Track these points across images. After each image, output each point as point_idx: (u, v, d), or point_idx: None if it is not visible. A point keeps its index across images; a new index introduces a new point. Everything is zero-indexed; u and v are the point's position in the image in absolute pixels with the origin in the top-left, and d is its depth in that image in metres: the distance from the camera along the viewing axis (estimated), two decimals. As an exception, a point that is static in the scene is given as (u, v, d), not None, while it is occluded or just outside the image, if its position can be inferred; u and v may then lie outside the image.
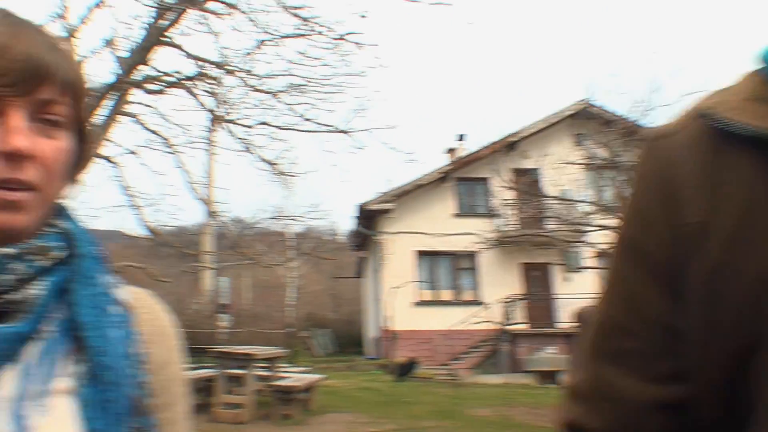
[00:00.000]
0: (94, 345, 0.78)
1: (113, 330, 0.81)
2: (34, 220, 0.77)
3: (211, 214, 10.31)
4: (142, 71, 7.35)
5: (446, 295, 20.40)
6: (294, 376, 10.91)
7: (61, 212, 0.85)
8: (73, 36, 7.57)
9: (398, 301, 18.99)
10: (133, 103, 8.83)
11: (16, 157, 0.72)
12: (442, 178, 20.62)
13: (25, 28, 0.76)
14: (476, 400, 12.26)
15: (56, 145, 0.77)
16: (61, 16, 8.29)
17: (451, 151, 23.24)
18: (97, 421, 0.76)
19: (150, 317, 0.90)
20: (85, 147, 0.85)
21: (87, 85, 0.82)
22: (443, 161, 22.19)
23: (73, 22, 7.64)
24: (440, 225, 19.91)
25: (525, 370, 17.10)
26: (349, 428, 9.04)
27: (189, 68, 7.94)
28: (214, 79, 7.73)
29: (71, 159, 0.81)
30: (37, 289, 0.76)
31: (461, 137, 23.00)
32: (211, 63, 7.59)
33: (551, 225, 17.80)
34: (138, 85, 7.21)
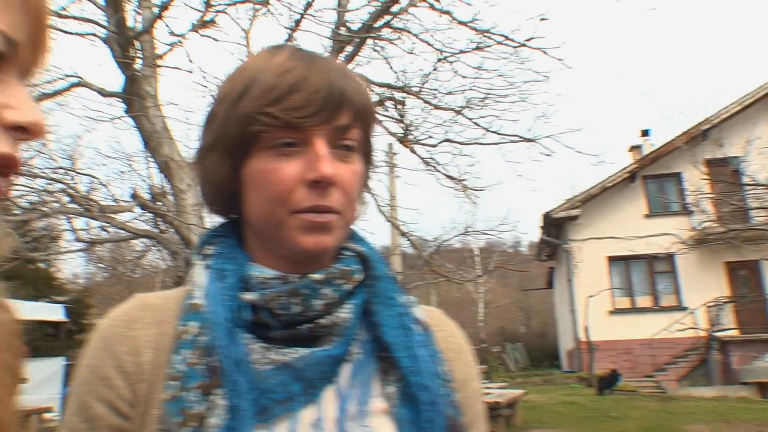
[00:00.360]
0: (405, 365, 0.79)
1: (420, 349, 0.81)
2: (337, 242, 0.81)
3: (400, 235, 10.54)
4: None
5: (644, 301, 19.19)
6: (495, 392, 10.83)
7: (353, 235, 0.88)
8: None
9: (593, 310, 18.13)
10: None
11: (323, 184, 0.76)
12: (629, 178, 19.47)
13: (318, 59, 0.80)
14: (690, 416, 11.37)
15: (353, 170, 0.80)
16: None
17: (635, 148, 22.06)
18: None
19: (445, 335, 0.91)
20: (369, 168, 0.88)
21: (375, 110, 0.84)
22: (629, 160, 21.06)
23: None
24: (631, 227, 18.84)
25: (741, 381, 15.55)
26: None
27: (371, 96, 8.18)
28: (398, 103, 7.87)
29: (362, 181, 0.84)
30: (344, 313, 0.79)
31: (646, 132, 21.78)
32: (393, 88, 7.76)
33: (760, 217, 16.19)
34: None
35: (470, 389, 0.90)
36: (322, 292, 0.78)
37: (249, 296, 0.77)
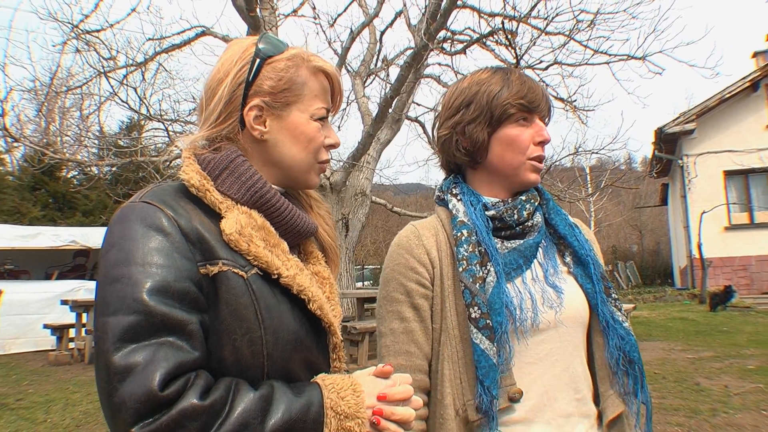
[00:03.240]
0: (575, 245, 1.47)
1: (580, 236, 1.49)
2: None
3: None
4: (438, 36, 7.87)
5: (763, 216, 18.41)
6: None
7: None
8: (375, 17, 8.45)
9: (708, 226, 17.65)
10: (430, 65, 9.55)
11: (544, 143, 1.44)
12: (751, 87, 18.25)
13: (528, 77, 1.47)
14: (808, 329, 11.18)
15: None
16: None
17: (760, 53, 20.50)
18: (587, 284, 1.44)
19: (584, 230, 1.57)
20: None
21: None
22: (750, 68, 19.72)
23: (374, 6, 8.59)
24: (752, 139, 17.95)
25: None
26: (666, 354, 8.98)
27: (483, 26, 8.31)
28: (509, 33, 7.96)
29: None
30: (536, 219, 1.46)
31: (772, 37, 20.16)
32: (505, 17, 7.83)
33: None
34: (436, 48, 7.75)
35: (600, 259, 1.54)
36: (527, 207, 1.43)
37: (490, 213, 1.42)
